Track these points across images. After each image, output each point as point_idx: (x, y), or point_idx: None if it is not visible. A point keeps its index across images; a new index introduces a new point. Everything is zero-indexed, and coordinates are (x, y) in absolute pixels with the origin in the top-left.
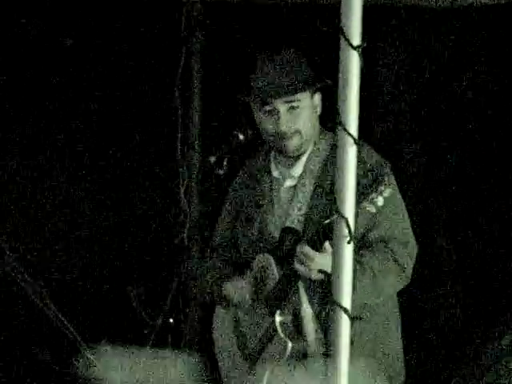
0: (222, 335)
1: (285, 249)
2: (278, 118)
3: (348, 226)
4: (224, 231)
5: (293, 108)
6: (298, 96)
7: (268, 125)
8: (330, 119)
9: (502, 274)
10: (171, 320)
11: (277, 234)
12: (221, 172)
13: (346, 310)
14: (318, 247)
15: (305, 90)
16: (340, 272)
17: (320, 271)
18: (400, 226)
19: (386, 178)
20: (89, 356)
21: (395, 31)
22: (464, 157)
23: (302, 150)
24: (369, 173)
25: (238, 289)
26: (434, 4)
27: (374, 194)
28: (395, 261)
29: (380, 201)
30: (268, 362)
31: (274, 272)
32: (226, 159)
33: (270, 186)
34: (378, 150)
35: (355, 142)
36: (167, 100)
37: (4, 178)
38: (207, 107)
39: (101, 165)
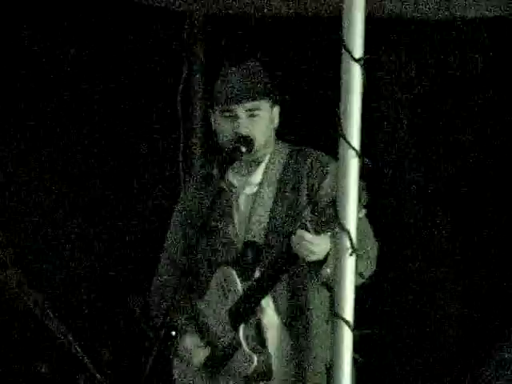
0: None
1: (247, 262)
2: (238, 122)
3: (350, 238)
4: (178, 241)
5: (252, 116)
6: (258, 104)
7: (226, 129)
8: (331, 132)
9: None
10: (173, 332)
11: (238, 244)
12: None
13: (348, 323)
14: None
15: (263, 98)
16: (342, 284)
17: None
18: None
19: (362, 199)
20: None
21: (397, 44)
22: (465, 167)
23: (257, 156)
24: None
25: (190, 349)
26: (436, 16)
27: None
28: (364, 251)
29: (362, 213)
30: (230, 377)
31: (237, 286)
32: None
33: (230, 194)
34: (378, 161)
35: (357, 155)
36: (169, 111)
37: (5, 185)
38: (209, 119)
39: (104, 173)
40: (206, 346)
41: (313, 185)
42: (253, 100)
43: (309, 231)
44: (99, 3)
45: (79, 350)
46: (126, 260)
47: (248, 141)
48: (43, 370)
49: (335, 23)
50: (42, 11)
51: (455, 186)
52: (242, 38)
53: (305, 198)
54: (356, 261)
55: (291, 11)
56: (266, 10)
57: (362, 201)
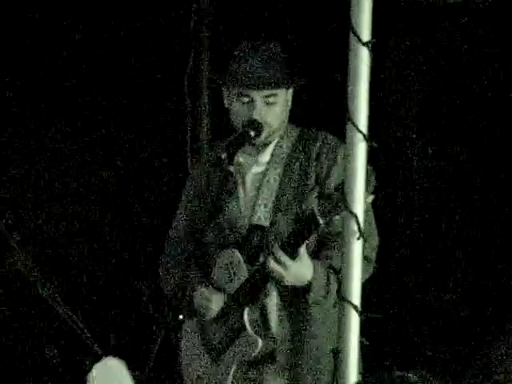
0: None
1: (253, 246)
2: (254, 108)
3: (358, 222)
4: (186, 221)
5: (269, 102)
6: (276, 91)
7: (241, 112)
8: (339, 115)
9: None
10: (181, 316)
11: (244, 224)
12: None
13: (355, 307)
14: (292, 252)
15: (282, 87)
16: (349, 268)
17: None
18: (367, 220)
19: (370, 185)
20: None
21: (406, 26)
22: (472, 154)
23: (268, 140)
24: None
25: (204, 299)
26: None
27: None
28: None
29: (370, 199)
30: (235, 358)
31: (243, 269)
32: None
33: (236, 172)
34: (386, 146)
35: (365, 139)
36: (176, 96)
37: (15, 177)
38: (216, 103)
39: (111, 163)
40: (220, 295)
41: (321, 168)
42: (273, 88)
43: (284, 255)
44: None
45: (87, 334)
46: (133, 245)
47: (257, 125)
48: (52, 355)
49: (343, 6)
50: None
51: (462, 171)
52: (248, 21)
53: (313, 181)
54: (363, 246)
55: None
56: None
57: (371, 187)
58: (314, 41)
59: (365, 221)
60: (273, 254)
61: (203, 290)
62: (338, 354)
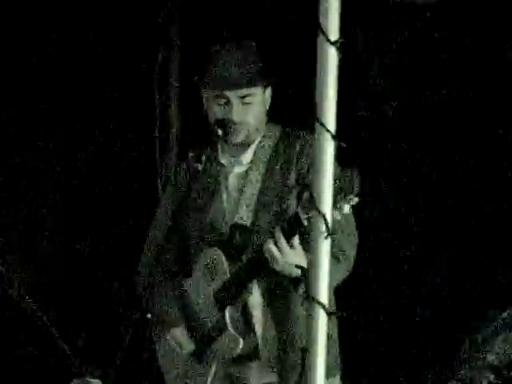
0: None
1: (235, 245)
2: (230, 108)
3: (325, 221)
4: (166, 222)
5: (245, 102)
6: (251, 90)
7: (219, 114)
8: (307, 115)
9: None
10: (149, 315)
11: (227, 224)
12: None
13: (323, 306)
14: (288, 239)
15: (257, 85)
16: (317, 267)
17: (297, 266)
18: (350, 221)
19: (355, 187)
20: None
21: (374, 24)
22: (447, 149)
23: (248, 140)
24: (337, 180)
25: (175, 342)
26: None
27: (341, 202)
28: (343, 252)
29: (346, 208)
30: (214, 358)
31: (225, 267)
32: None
33: (218, 172)
34: (355, 145)
35: (333, 137)
36: (145, 95)
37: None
38: (185, 99)
39: (82, 166)
40: (193, 338)
41: (302, 167)
42: (247, 87)
43: (280, 242)
44: None
45: (55, 332)
46: (102, 241)
47: (224, 124)
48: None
49: (311, 4)
50: None
51: (435, 167)
52: (218, 18)
53: (293, 180)
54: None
55: None
56: None
57: (355, 189)
58: (282, 40)
59: (346, 220)
60: (274, 236)
61: (175, 332)
62: (304, 354)
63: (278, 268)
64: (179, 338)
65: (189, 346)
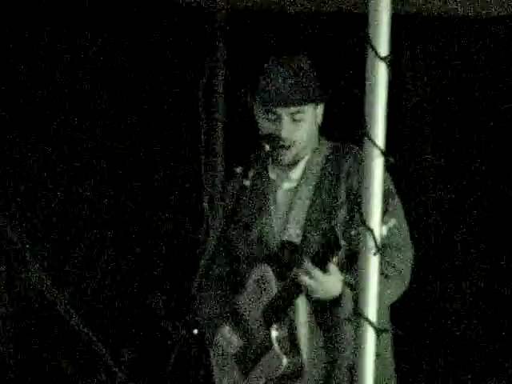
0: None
1: (284, 262)
2: (281, 125)
3: (374, 237)
4: (220, 237)
5: (296, 119)
6: (304, 108)
7: (269, 130)
8: (357, 130)
9: None
10: (195, 331)
11: (276, 240)
12: (247, 183)
13: (371, 323)
14: (321, 265)
15: (309, 103)
16: (366, 284)
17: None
18: (398, 234)
19: (390, 208)
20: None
21: (424, 41)
22: (488, 165)
23: (297, 158)
24: None
25: (224, 340)
26: (462, 13)
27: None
28: (393, 267)
29: (383, 231)
30: (262, 375)
31: (272, 284)
32: (252, 170)
33: (267, 188)
34: (401, 160)
35: (382, 154)
36: (192, 109)
37: (29, 189)
38: (231, 116)
39: (125, 174)
40: (240, 336)
41: (352, 184)
42: (299, 104)
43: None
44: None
45: (100, 346)
46: (148, 259)
47: (272, 139)
48: (65, 365)
49: (360, 20)
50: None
51: (479, 182)
52: (264, 35)
53: (343, 197)
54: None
55: (314, 7)
56: (287, 6)
57: (391, 211)
58: (331, 55)
59: (399, 234)
60: (303, 266)
61: (224, 331)
62: (353, 371)
63: (316, 295)
64: (228, 335)
65: (238, 343)
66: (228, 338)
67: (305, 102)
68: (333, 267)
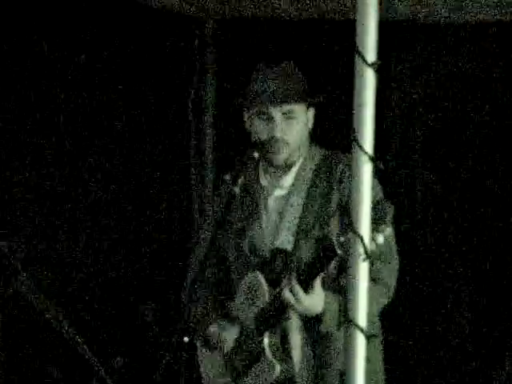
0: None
1: (275, 269)
2: (273, 124)
3: (363, 244)
4: (211, 244)
5: (288, 118)
6: (294, 108)
7: (262, 131)
8: (345, 137)
9: None
10: (186, 339)
11: (267, 247)
12: (236, 190)
13: (361, 329)
14: (306, 284)
15: (301, 101)
16: (355, 290)
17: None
18: (386, 246)
19: (387, 218)
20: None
21: (412, 47)
22: (479, 170)
23: (290, 161)
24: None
25: (217, 336)
26: (448, 20)
27: (374, 232)
28: (379, 279)
29: (380, 239)
30: (255, 382)
31: (264, 292)
32: (242, 177)
33: (259, 195)
34: (390, 166)
35: (370, 159)
36: (182, 117)
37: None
38: (221, 124)
39: (115, 182)
40: (233, 330)
41: (344, 192)
42: (290, 103)
43: (297, 289)
44: (109, 7)
45: (91, 355)
46: (137, 266)
47: (267, 141)
48: (55, 374)
49: (349, 27)
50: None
51: (468, 189)
52: (253, 43)
53: (335, 205)
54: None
55: (303, 15)
56: (276, 14)
57: (388, 219)
58: (319, 61)
59: (385, 245)
60: (289, 284)
61: (215, 328)
62: (343, 377)
63: (297, 311)
64: (218, 333)
65: (229, 342)
66: (218, 336)
67: (297, 100)
68: (317, 285)
